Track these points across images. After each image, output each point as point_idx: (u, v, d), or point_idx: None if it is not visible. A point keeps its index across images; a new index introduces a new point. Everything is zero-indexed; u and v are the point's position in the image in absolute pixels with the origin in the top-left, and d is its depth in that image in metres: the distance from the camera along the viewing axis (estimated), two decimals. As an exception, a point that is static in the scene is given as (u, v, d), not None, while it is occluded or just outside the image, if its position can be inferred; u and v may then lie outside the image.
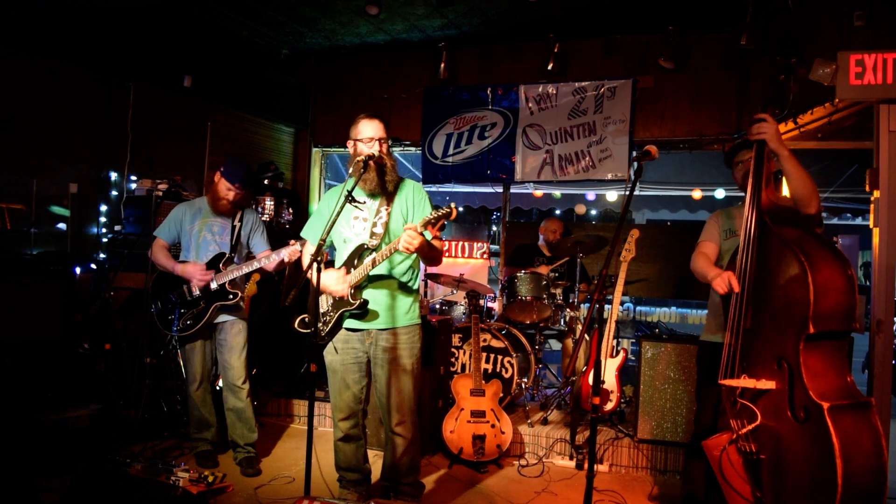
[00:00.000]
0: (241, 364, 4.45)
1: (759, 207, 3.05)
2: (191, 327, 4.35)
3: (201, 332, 4.40)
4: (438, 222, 3.15)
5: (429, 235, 3.30)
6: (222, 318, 4.45)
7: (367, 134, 3.50)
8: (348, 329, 3.59)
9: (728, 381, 2.96)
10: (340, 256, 3.63)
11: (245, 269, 4.35)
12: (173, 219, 4.51)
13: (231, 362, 4.43)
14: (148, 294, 4.59)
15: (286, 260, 4.20)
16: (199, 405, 4.50)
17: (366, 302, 3.49)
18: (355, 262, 3.50)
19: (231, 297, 4.38)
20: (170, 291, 4.44)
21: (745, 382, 2.89)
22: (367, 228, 3.54)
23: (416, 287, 3.70)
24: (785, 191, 3.64)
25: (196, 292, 4.35)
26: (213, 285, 4.34)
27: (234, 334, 4.45)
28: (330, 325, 3.56)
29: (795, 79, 3.98)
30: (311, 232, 3.76)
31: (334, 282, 3.49)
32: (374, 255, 3.44)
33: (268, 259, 4.30)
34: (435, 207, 3.21)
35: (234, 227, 4.51)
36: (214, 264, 4.37)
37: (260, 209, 6.15)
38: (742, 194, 3.61)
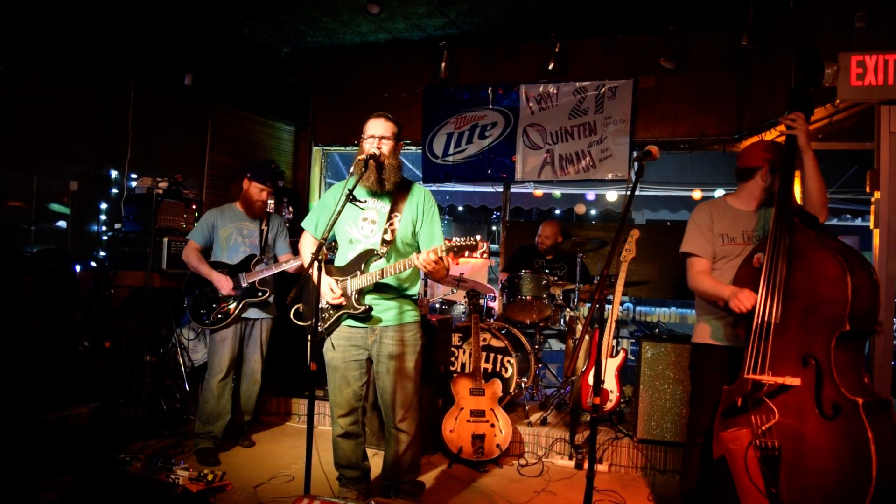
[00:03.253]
0: (261, 359, 4.91)
1: (790, 204, 3.05)
2: (221, 321, 4.67)
3: (232, 326, 4.70)
4: (462, 251, 3.20)
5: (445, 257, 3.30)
6: (252, 314, 4.82)
7: (371, 132, 3.51)
8: (351, 326, 3.60)
9: (753, 376, 2.95)
10: (344, 256, 3.62)
11: (273, 271, 4.74)
12: (205, 223, 4.83)
13: (254, 356, 4.88)
14: (156, 294, 4.90)
15: (304, 265, 4.40)
16: (216, 396, 4.66)
17: (370, 309, 3.51)
18: (362, 266, 3.51)
19: (260, 294, 4.75)
20: (201, 286, 4.73)
21: (772, 378, 2.89)
22: (376, 232, 3.54)
23: (416, 290, 3.72)
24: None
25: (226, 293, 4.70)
26: (244, 283, 4.69)
27: (261, 331, 4.88)
28: (328, 323, 3.57)
29: (820, 92, 3.95)
30: (312, 223, 3.77)
31: (328, 289, 3.51)
32: (383, 263, 3.47)
33: (289, 263, 4.74)
34: (455, 235, 3.25)
35: (262, 230, 4.87)
36: (245, 265, 4.76)
37: (283, 217, 6.21)
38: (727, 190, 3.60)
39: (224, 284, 4.63)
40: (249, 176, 4.83)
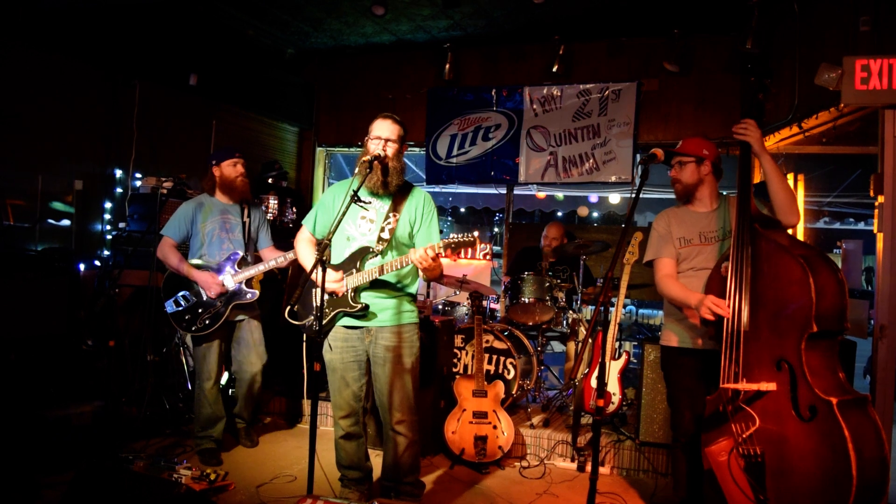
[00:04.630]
0: (260, 360, 4.67)
1: (749, 212, 3.08)
2: (209, 326, 4.45)
3: (218, 330, 4.50)
4: (459, 248, 3.20)
5: (442, 254, 3.31)
6: (239, 316, 4.60)
7: (377, 133, 3.50)
8: (347, 327, 3.59)
9: (729, 385, 2.97)
10: (340, 253, 3.60)
11: (262, 268, 4.51)
12: (183, 216, 4.54)
13: (251, 359, 4.64)
14: (159, 293, 4.63)
15: (303, 263, 4.29)
16: (211, 402, 4.54)
17: (366, 306, 3.51)
18: (357, 263, 3.51)
19: (249, 295, 4.52)
20: (184, 290, 4.50)
21: (747, 386, 2.92)
22: (373, 231, 3.54)
23: (415, 289, 3.70)
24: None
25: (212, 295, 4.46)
26: (231, 285, 4.47)
27: (250, 331, 4.64)
28: (324, 322, 3.56)
29: (771, 97, 3.93)
30: (312, 222, 3.74)
31: (331, 279, 3.49)
32: (378, 260, 3.47)
33: (278, 260, 4.49)
34: (445, 230, 3.24)
35: (244, 223, 4.62)
36: (230, 263, 4.51)
37: (263, 208, 6.17)
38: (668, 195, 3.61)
39: (212, 286, 4.40)
40: (215, 161, 4.57)
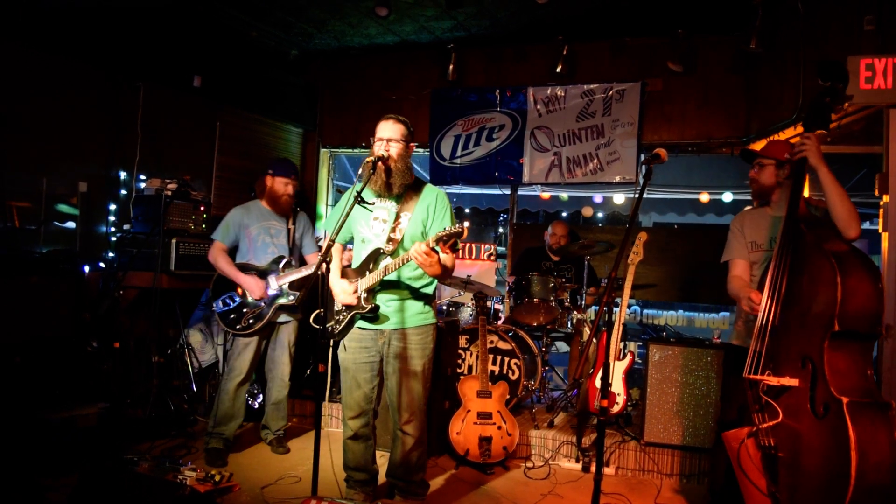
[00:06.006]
0: (289, 361, 4.83)
1: (797, 217, 3.08)
2: (252, 325, 4.60)
3: (261, 330, 4.62)
4: (450, 240, 3.13)
5: (440, 250, 3.26)
6: (282, 318, 4.75)
7: (380, 134, 3.51)
8: (362, 328, 3.61)
9: (753, 376, 3.01)
10: (358, 256, 3.65)
11: (304, 273, 4.63)
12: (232, 222, 4.73)
13: (283, 359, 4.80)
14: (163, 295, 4.77)
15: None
16: (233, 398, 4.60)
17: (377, 307, 3.52)
18: (371, 265, 3.53)
19: (291, 297, 4.65)
20: (231, 291, 4.66)
21: (769, 379, 2.94)
22: (384, 231, 3.54)
23: (431, 291, 3.68)
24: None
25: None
26: (274, 287, 4.60)
27: (288, 334, 4.80)
28: (342, 325, 3.60)
29: (840, 101, 3.89)
30: (331, 224, 3.81)
31: (341, 291, 3.55)
32: (388, 260, 3.45)
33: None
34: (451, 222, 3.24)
35: (289, 230, 4.81)
36: (275, 267, 4.67)
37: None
38: (748, 196, 3.61)
39: (256, 289, 4.57)
40: (272, 172, 4.78)
